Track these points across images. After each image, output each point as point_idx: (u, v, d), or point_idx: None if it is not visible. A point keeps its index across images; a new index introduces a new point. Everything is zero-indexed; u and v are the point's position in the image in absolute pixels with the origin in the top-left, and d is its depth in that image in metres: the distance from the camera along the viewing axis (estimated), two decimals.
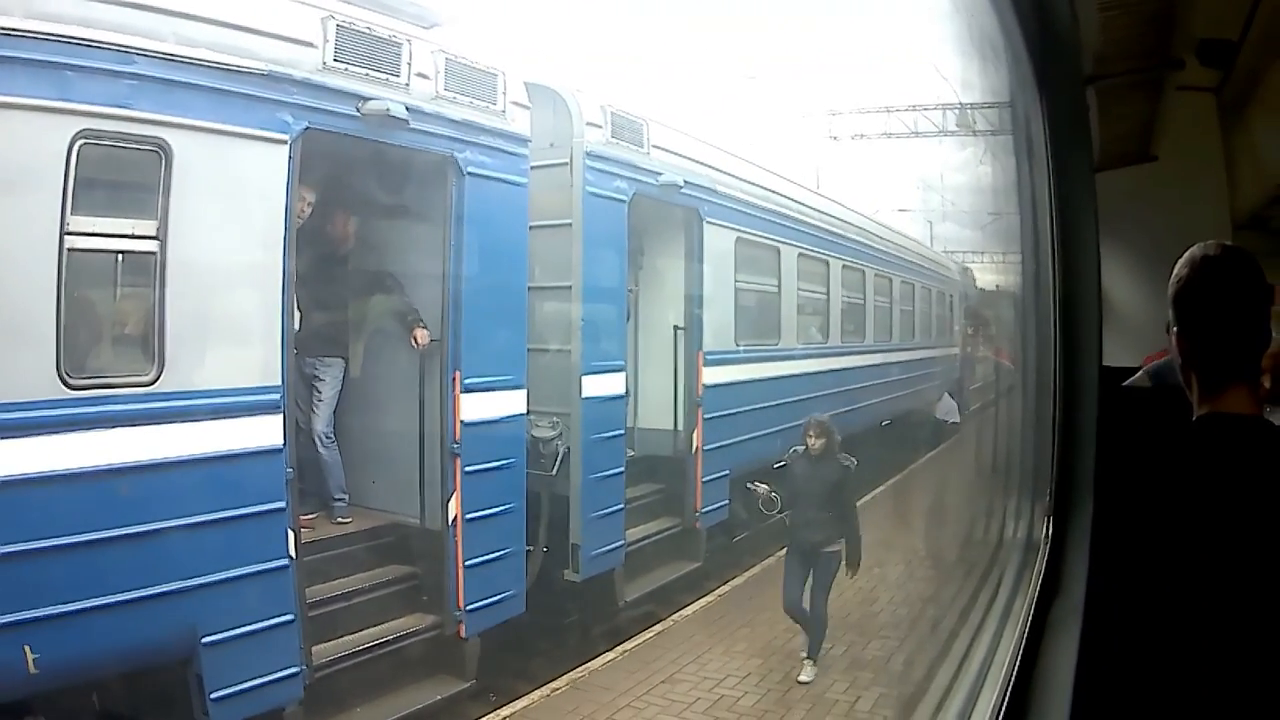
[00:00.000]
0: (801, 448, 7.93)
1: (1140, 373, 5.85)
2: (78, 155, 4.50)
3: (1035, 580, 3.27)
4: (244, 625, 5.18)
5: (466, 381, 6.87)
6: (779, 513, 8.27)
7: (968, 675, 3.25)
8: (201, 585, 4.98)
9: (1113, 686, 2.20)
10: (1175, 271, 2.32)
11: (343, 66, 5.88)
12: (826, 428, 7.94)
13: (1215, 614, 2.07)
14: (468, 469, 6.84)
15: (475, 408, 6.93)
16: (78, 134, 4.51)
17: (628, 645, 8.15)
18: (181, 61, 4.91)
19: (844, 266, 14.10)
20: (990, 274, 19.98)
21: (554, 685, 7.30)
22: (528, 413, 7.59)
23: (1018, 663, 2.78)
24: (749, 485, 9.53)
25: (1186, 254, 2.32)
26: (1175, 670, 2.09)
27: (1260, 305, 2.28)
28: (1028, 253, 3.93)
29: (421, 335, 6.88)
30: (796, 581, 7.69)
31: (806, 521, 7.74)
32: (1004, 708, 2.57)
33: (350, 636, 6.20)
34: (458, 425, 6.81)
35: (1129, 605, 2.19)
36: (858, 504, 7.92)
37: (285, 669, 5.38)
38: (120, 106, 4.67)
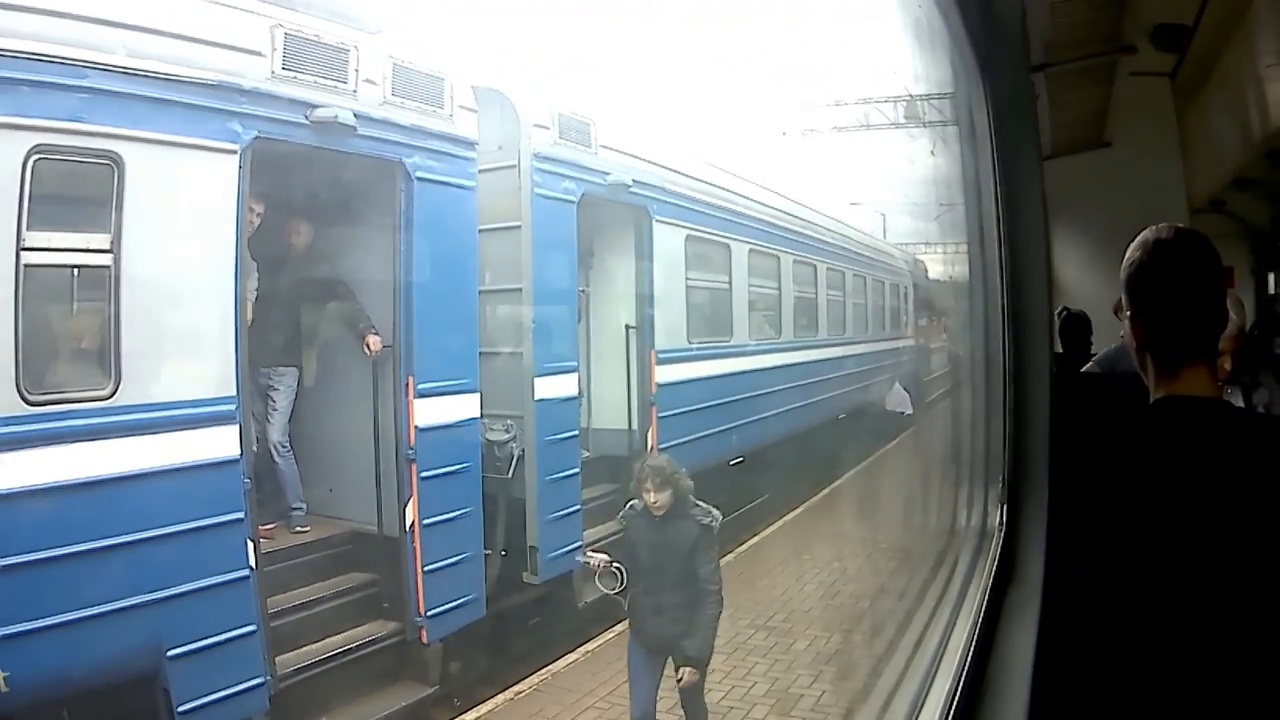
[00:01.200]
0: (639, 504, 6.15)
1: (1091, 361, 6.14)
2: (32, 170, 4.57)
3: (990, 567, 3.28)
4: (208, 637, 5.24)
5: (419, 387, 6.95)
6: (620, 592, 6.17)
7: (921, 663, 3.23)
8: (164, 598, 5.04)
9: (1072, 670, 2.22)
10: (1127, 255, 2.36)
11: (291, 75, 5.96)
12: (669, 475, 6.07)
13: (1174, 596, 2.10)
14: (423, 474, 6.93)
15: (429, 413, 7.03)
16: (32, 149, 4.57)
17: (590, 646, 8.23)
18: (132, 74, 5.00)
19: (795, 261, 14.33)
20: (942, 265, 20.38)
21: (518, 688, 7.39)
22: (481, 416, 7.66)
23: (973, 649, 2.77)
24: (580, 557, 8.14)
25: (1139, 237, 2.36)
26: (1135, 653, 2.13)
27: (1215, 286, 2.30)
28: (974, 242, 3.92)
29: (374, 342, 6.96)
30: (645, 688, 5.99)
31: (655, 607, 5.90)
32: (958, 693, 2.56)
33: (312, 645, 6.28)
34: (412, 431, 6.91)
35: (1087, 589, 2.23)
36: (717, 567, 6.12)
37: (250, 680, 5.45)
38: (74, 120, 4.74)
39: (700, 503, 6.20)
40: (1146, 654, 2.12)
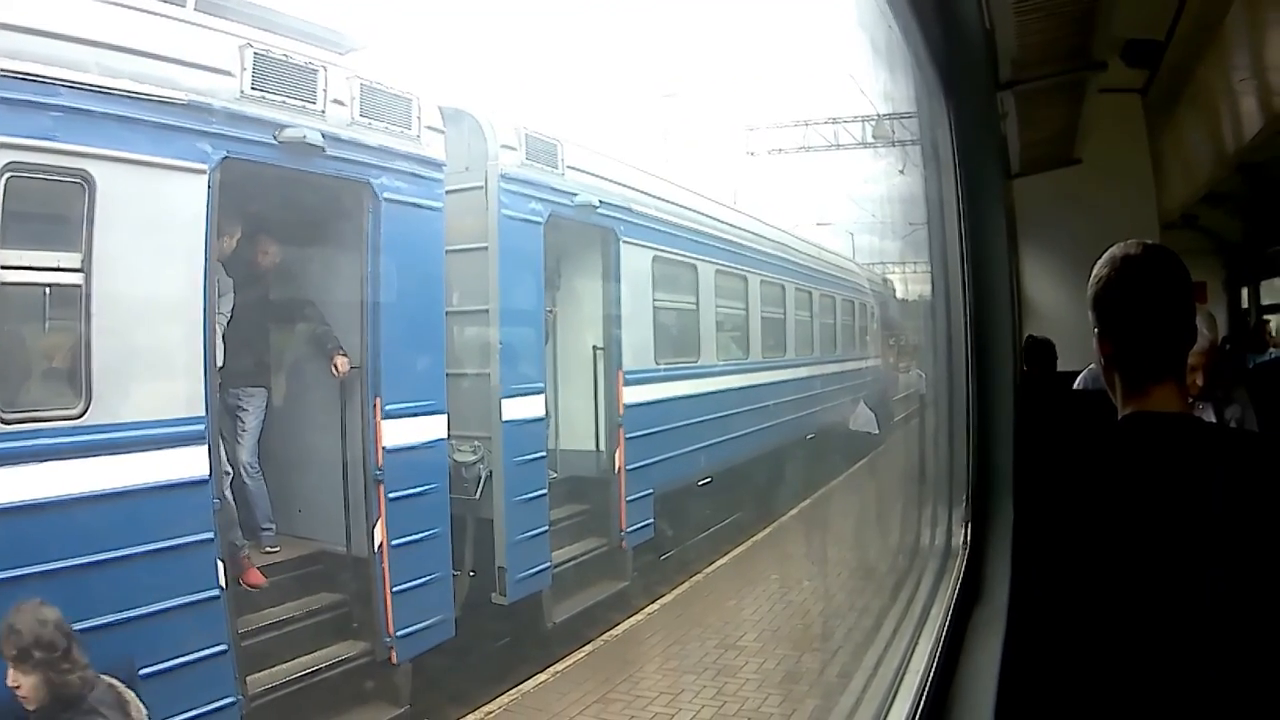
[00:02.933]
0: None
1: (1079, 379, 6.31)
2: (4, 188, 4.64)
3: (954, 585, 3.30)
4: (180, 657, 5.28)
5: (387, 408, 7.01)
6: None
7: (883, 682, 3.22)
8: (135, 618, 5.08)
9: (1038, 688, 2.22)
10: (1094, 272, 2.36)
11: (260, 94, 6.06)
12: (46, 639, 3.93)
13: (1142, 613, 2.10)
14: (391, 495, 6.99)
15: (397, 434, 7.09)
16: (5, 167, 4.65)
17: (559, 666, 8.28)
18: (104, 92, 5.09)
19: (763, 282, 14.51)
20: (910, 284, 20.66)
21: (488, 708, 7.42)
22: (449, 437, 7.73)
23: (936, 667, 2.79)
24: None
25: (1106, 254, 2.35)
26: (1101, 671, 2.12)
27: (1184, 301, 2.30)
28: (938, 262, 3.94)
29: (341, 363, 7.03)
30: None
31: None
32: (919, 711, 2.59)
33: (283, 666, 6.33)
34: (380, 452, 6.96)
35: (1053, 607, 2.22)
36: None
37: (222, 699, 5.49)
38: (46, 139, 4.82)
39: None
40: (1113, 672, 2.12)
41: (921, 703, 2.62)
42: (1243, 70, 7.38)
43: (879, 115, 16.89)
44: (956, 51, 3.39)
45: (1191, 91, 8.68)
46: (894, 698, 2.86)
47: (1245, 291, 15.29)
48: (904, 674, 2.99)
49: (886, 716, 2.79)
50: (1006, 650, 2.53)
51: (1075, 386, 6.22)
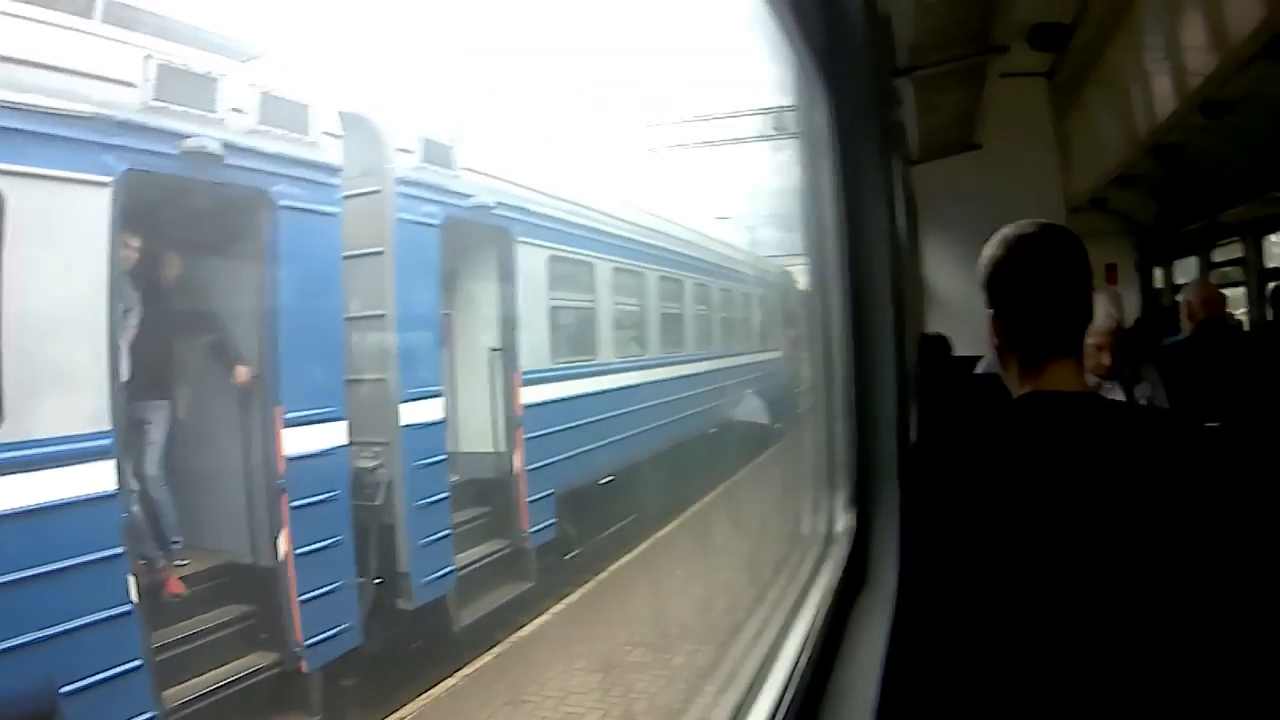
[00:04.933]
0: None
1: (982, 361, 6.70)
2: None
3: (837, 572, 3.28)
4: (98, 673, 5.41)
5: (287, 416, 7.16)
6: None
7: (746, 669, 3.01)
8: (52, 636, 5.22)
9: (926, 673, 2.25)
10: (985, 253, 2.38)
11: (163, 105, 6.18)
12: None
13: (1039, 595, 2.11)
14: (294, 504, 7.14)
15: (297, 442, 7.25)
16: None
17: (468, 669, 8.46)
18: (9, 107, 5.21)
19: (661, 278, 14.85)
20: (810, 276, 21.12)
21: (400, 714, 7.59)
22: (350, 444, 7.88)
23: (814, 652, 2.75)
24: None
25: (997, 235, 2.38)
26: (993, 653, 2.14)
27: (1080, 278, 2.30)
28: (814, 251, 3.98)
29: (242, 372, 7.17)
30: None
31: None
32: (792, 692, 2.52)
33: (197, 679, 6.48)
34: (281, 460, 7.11)
35: (945, 591, 2.22)
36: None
37: (140, 715, 5.64)
38: None
39: None
40: (1005, 654, 2.13)
41: (792, 688, 2.52)
42: (1156, 51, 7.61)
43: (778, 108, 17.30)
44: (835, 37, 3.47)
45: (1101, 73, 8.95)
46: (761, 685, 2.69)
47: (1159, 272, 15.69)
48: (776, 658, 2.84)
49: (753, 703, 2.61)
50: (892, 637, 2.60)
51: (976, 371, 6.57)
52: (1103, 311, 4.62)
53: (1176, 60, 7.41)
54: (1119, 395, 4.98)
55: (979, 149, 10.47)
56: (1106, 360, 4.85)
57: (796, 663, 2.65)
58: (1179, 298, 7.45)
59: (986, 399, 2.52)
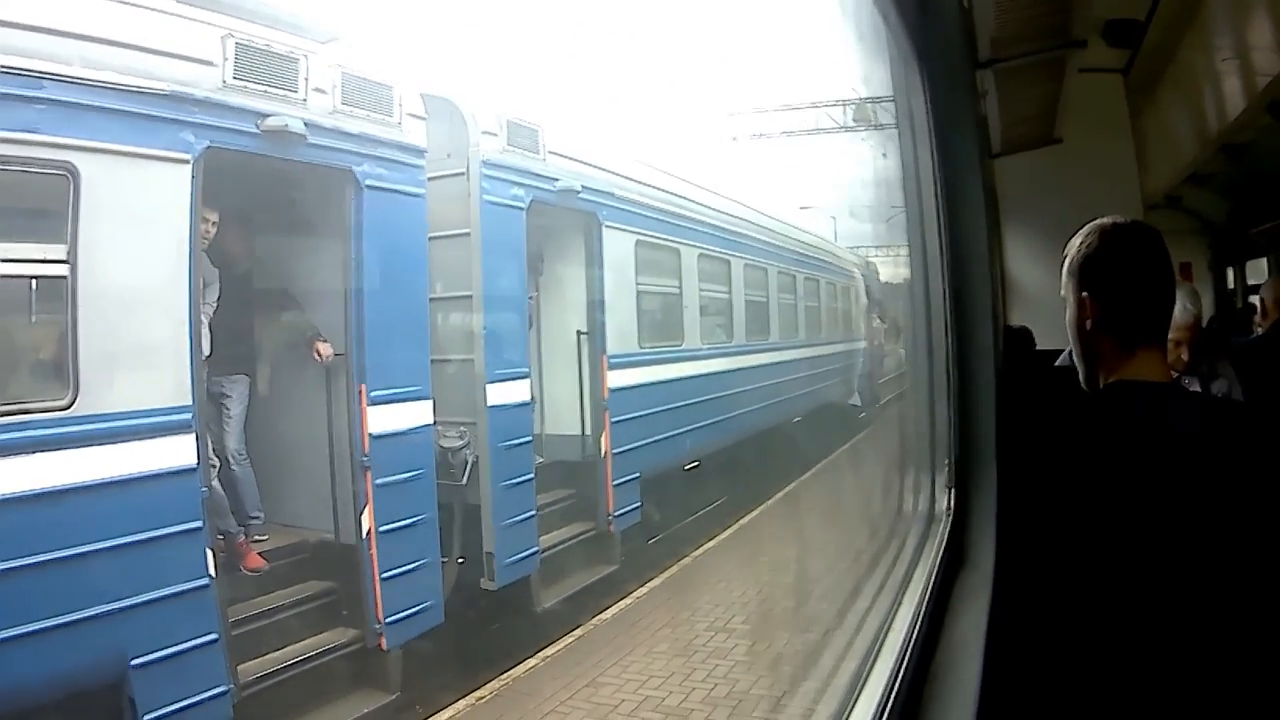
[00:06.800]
0: None
1: (1064, 354, 6.38)
2: None
3: (937, 552, 3.30)
4: (170, 646, 5.31)
5: (372, 394, 7.04)
6: None
7: (861, 644, 3.21)
8: (126, 608, 5.12)
9: (1024, 653, 2.23)
10: (1078, 241, 2.41)
11: (242, 84, 6.07)
12: None
13: (1129, 580, 2.11)
14: (378, 482, 7.03)
15: (382, 420, 7.12)
16: None
17: (549, 651, 8.31)
18: (88, 84, 5.10)
19: (746, 265, 14.56)
20: (894, 266, 20.74)
21: (478, 694, 7.46)
22: (435, 423, 7.77)
23: (920, 632, 2.78)
24: None
25: (1089, 225, 2.41)
26: (1089, 637, 2.12)
27: (1167, 270, 2.36)
28: (915, 240, 3.96)
29: (323, 348, 7.07)
30: None
31: None
32: (904, 668, 2.57)
33: (274, 654, 6.38)
34: (366, 438, 6.99)
35: (1040, 573, 2.23)
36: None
37: (213, 688, 5.53)
38: (29, 131, 4.83)
39: None
40: (1100, 638, 2.12)
41: (902, 670, 2.59)
42: (1225, 50, 7.39)
43: (861, 99, 16.94)
44: (931, 27, 3.41)
45: (1173, 72, 8.66)
46: (873, 665, 2.83)
47: (1231, 272, 15.28)
48: (884, 640, 2.96)
49: (865, 682, 2.74)
50: (993, 616, 2.53)
51: (1058, 364, 6.30)
52: (1181, 307, 4.38)
53: (1245, 60, 7.28)
54: (1196, 389, 4.83)
55: (1059, 143, 10.11)
56: (1185, 356, 4.74)
57: (908, 642, 2.74)
58: (1252, 298, 7.10)
59: (1067, 391, 2.55)
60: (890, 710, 2.40)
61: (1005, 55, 7.23)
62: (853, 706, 2.66)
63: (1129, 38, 8.04)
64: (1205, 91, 8.44)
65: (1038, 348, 7.53)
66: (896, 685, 2.50)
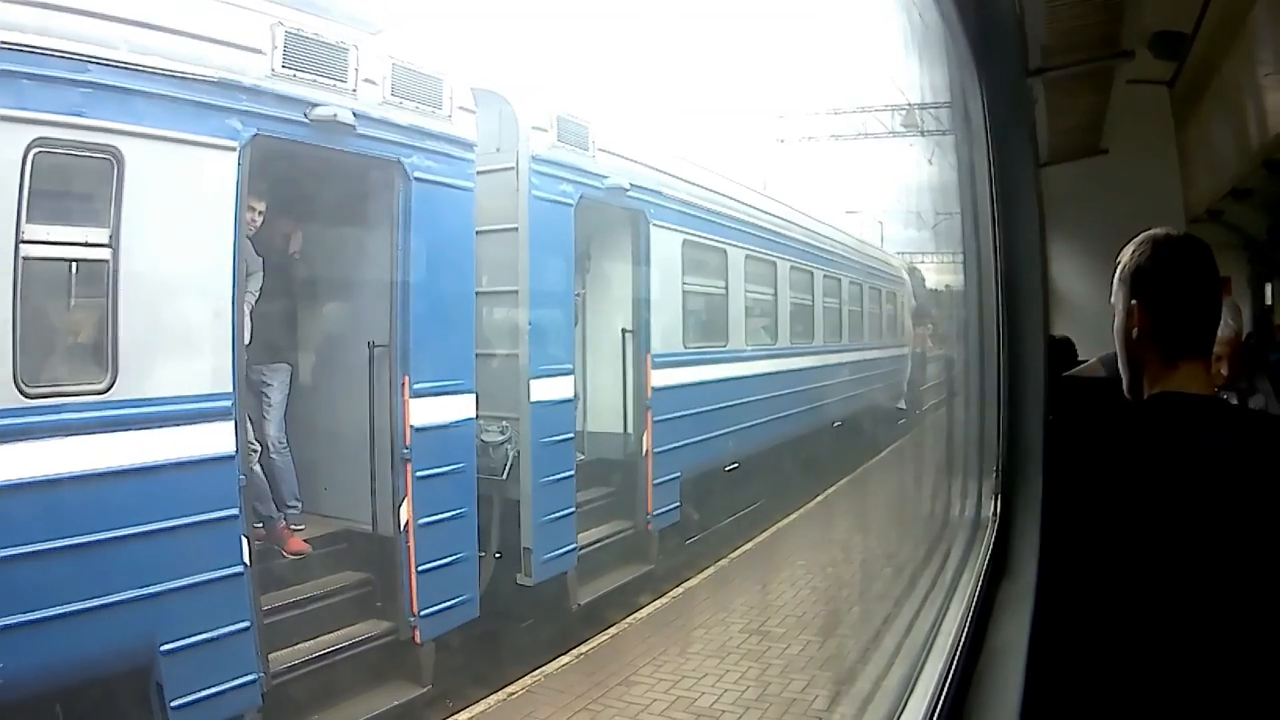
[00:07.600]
0: None
1: (1094, 361, 6.22)
2: (32, 163, 4.59)
3: (984, 556, 3.30)
4: (201, 633, 5.25)
5: (415, 386, 6.97)
6: None
7: (909, 654, 3.23)
8: (158, 593, 5.05)
9: (1066, 664, 2.21)
10: (1130, 251, 2.41)
11: (291, 73, 6.00)
12: None
13: (1170, 592, 2.11)
14: (418, 474, 6.95)
15: (424, 413, 7.05)
16: (33, 142, 4.60)
17: (583, 648, 8.22)
18: (134, 69, 5.03)
19: (791, 268, 14.41)
20: (939, 273, 20.52)
21: (510, 689, 7.36)
22: (477, 417, 7.70)
23: (964, 640, 2.79)
24: None
25: (1141, 236, 2.41)
26: (1130, 649, 2.13)
27: (1215, 283, 2.38)
28: (969, 245, 3.96)
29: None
30: None
31: None
32: (948, 682, 2.56)
33: (306, 643, 6.32)
34: (408, 430, 6.92)
35: (1082, 584, 2.24)
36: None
37: (243, 676, 5.47)
38: (74, 114, 4.77)
39: None
40: (1142, 650, 2.13)
41: (951, 671, 2.62)
42: (1268, 65, 7.27)
43: (910, 104, 16.75)
44: (989, 31, 3.33)
45: (1217, 85, 8.55)
46: (924, 664, 2.88)
47: (1269, 288, 15.08)
48: (931, 645, 3.01)
49: (917, 681, 2.78)
50: (1035, 624, 2.49)
51: (1081, 369, 6.17)
52: (1223, 322, 4.21)
53: None
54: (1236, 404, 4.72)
55: (1105, 154, 9.90)
56: (1225, 370, 4.55)
57: (956, 645, 2.78)
58: None
59: (1111, 403, 2.56)
60: (938, 715, 2.43)
61: (1055, 64, 7.18)
62: (902, 710, 2.69)
63: (1175, 50, 8.03)
64: (1248, 106, 8.27)
65: (1080, 359, 7.36)
66: (944, 690, 2.53)
